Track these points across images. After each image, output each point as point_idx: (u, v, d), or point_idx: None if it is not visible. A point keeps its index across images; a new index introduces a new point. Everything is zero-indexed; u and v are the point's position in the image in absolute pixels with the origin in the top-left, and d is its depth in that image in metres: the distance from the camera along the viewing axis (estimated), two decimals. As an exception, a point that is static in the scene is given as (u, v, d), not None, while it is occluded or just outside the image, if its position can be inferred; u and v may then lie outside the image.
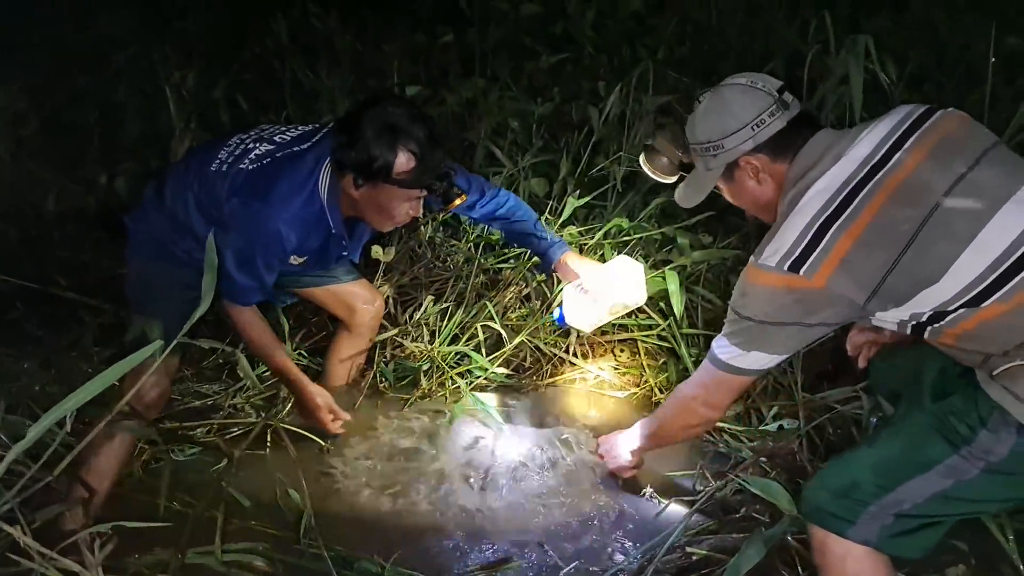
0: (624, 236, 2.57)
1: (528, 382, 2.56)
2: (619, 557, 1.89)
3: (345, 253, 2.12)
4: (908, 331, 1.37)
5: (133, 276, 2.15)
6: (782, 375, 2.31)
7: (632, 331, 2.60)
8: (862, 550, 1.39)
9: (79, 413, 1.86)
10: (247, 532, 1.83)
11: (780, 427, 2.20)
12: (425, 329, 2.62)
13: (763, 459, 2.09)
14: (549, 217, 2.63)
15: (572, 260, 2.21)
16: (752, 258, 1.44)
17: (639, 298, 2.14)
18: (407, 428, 2.38)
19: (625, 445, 2.05)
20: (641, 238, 2.57)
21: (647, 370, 2.54)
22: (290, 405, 2.34)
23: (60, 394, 1.10)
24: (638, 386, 2.55)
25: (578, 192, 2.65)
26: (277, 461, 2.17)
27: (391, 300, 2.66)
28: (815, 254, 1.34)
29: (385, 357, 2.59)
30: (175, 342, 1.46)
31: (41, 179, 3.38)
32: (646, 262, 2.50)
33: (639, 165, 2.52)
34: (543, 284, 2.63)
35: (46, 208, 3.35)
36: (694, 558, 1.81)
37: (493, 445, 2.30)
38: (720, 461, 2.16)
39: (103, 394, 1.18)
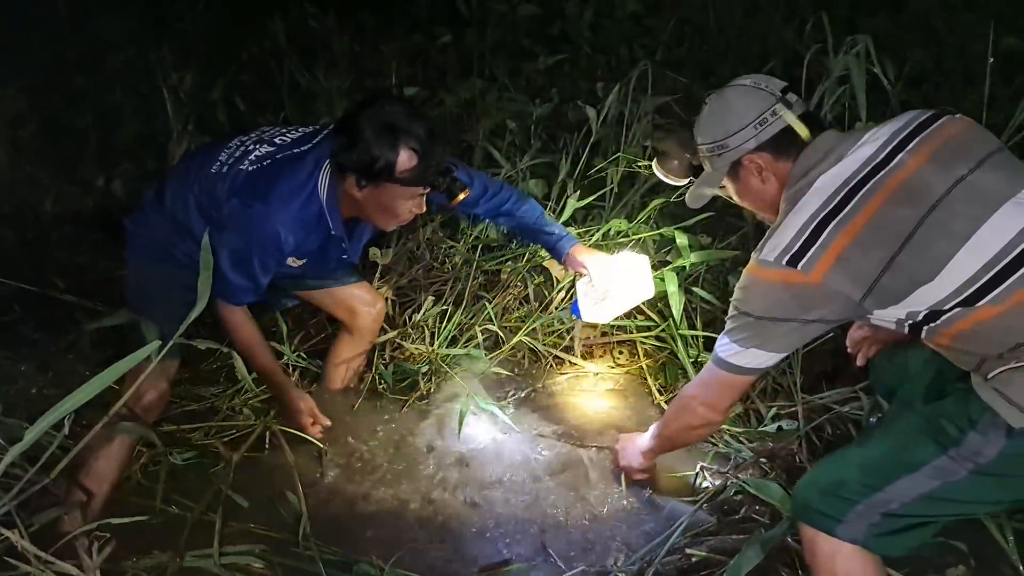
0: (623, 237, 2.57)
1: (527, 383, 2.55)
2: (619, 558, 1.89)
3: (345, 256, 2.12)
4: (906, 330, 1.39)
5: (132, 278, 2.15)
6: (781, 376, 2.31)
7: (631, 332, 2.59)
8: (851, 548, 1.40)
9: (78, 416, 1.86)
10: (245, 535, 1.82)
11: (779, 428, 2.20)
12: (425, 330, 2.62)
13: (763, 460, 2.10)
14: (549, 215, 2.62)
15: (580, 254, 2.23)
16: (753, 254, 1.46)
17: (646, 293, 2.16)
18: (406, 430, 2.37)
19: (636, 446, 2.07)
20: (640, 239, 2.57)
21: (646, 371, 2.53)
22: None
23: (57, 396, 1.09)
24: (637, 386, 2.54)
25: (577, 193, 2.64)
26: (275, 463, 2.16)
27: (389, 302, 2.66)
28: (812, 250, 1.36)
29: (384, 359, 2.59)
30: (173, 344, 1.46)
31: (38, 181, 3.37)
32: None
33: (638, 166, 2.54)
34: (542, 286, 2.62)
35: (43, 210, 3.34)
36: (694, 559, 1.80)
37: (492, 447, 2.30)
38: (720, 462, 2.16)
39: (102, 397, 1.18)
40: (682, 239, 2.44)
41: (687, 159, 1.83)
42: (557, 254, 2.26)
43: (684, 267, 2.49)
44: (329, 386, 2.51)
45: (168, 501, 1.85)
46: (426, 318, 2.62)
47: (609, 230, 2.60)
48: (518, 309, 2.67)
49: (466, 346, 2.59)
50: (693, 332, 2.44)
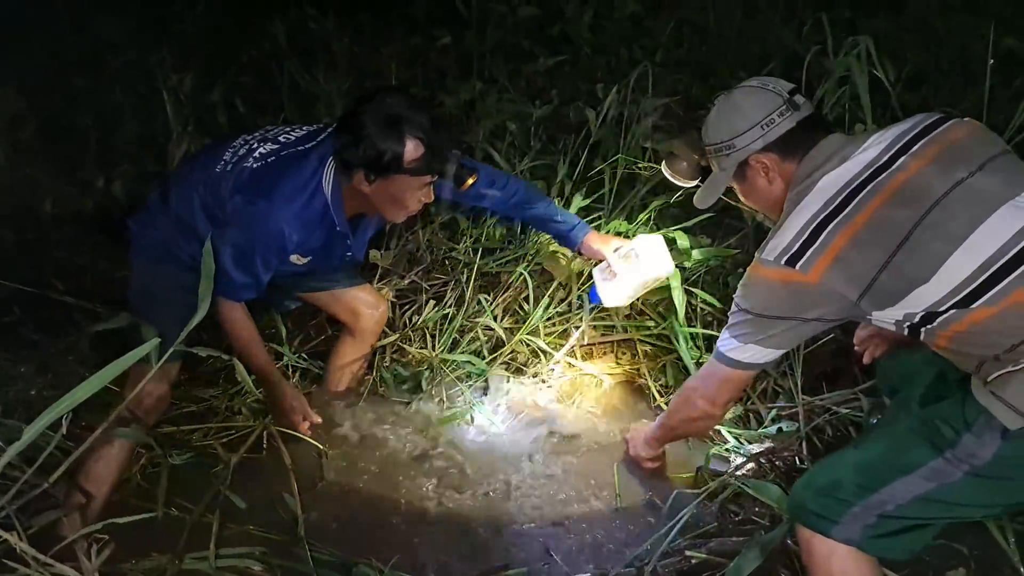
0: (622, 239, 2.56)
1: (528, 385, 2.55)
2: (618, 560, 1.88)
3: (349, 253, 2.12)
4: (905, 332, 1.39)
5: (136, 279, 2.15)
6: (782, 377, 2.31)
7: (630, 332, 2.59)
8: (847, 549, 1.41)
9: (77, 417, 1.86)
10: (244, 536, 1.82)
11: (779, 429, 2.20)
12: (426, 332, 2.62)
13: (762, 461, 2.09)
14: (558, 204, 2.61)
15: (595, 241, 2.25)
16: (756, 253, 1.48)
17: (667, 269, 2.18)
18: (406, 432, 2.37)
19: (643, 436, 2.11)
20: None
21: (647, 372, 2.53)
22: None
23: (57, 398, 1.09)
24: (637, 386, 2.54)
25: (584, 190, 2.64)
26: (274, 465, 2.15)
27: (389, 304, 2.66)
28: (811, 250, 1.37)
29: (385, 362, 2.58)
30: (176, 347, 1.46)
31: (38, 182, 3.36)
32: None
33: (637, 167, 2.53)
34: (542, 287, 2.62)
35: (43, 211, 3.34)
36: (693, 561, 1.80)
37: (492, 449, 2.30)
38: (720, 463, 2.15)
39: (102, 398, 1.18)
40: (683, 240, 2.44)
41: (695, 160, 1.86)
42: (571, 242, 2.28)
43: (684, 267, 2.48)
44: (330, 388, 2.51)
45: (167, 503, 1.84)
46: (427, 322, 2.62)
47: (609, 231, 2.59)
48: (519, 311, 2.66)
49: (467, 347, 2.58)
50: (693, 329, 2.43)
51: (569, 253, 2.55)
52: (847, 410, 2.17)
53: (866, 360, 1.85)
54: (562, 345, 2.60)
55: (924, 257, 1.30)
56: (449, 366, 2.53)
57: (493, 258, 2.70)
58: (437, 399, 2.48)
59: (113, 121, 3.47)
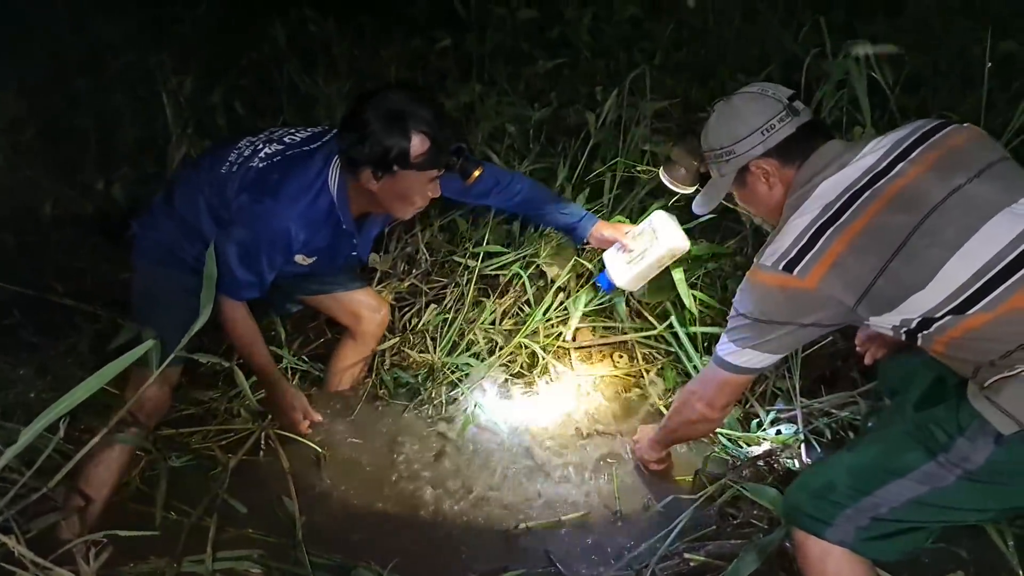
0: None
1: (527, 388, 2.55)
2: (617, 563, 1.88)
3: (354, 252, 2.13)
4: (902, 337, 1.39)
5: (139, 282, 2.15)
6: (780, 380, 2.31)
7: (628, 333, 2.59)
8: (841, 551, 1.42)
9: (77, 421, 1.86)
10: (243, 540, 1.82)
11: (778, 432, 2.20)
12: (425, 336, 2.62)
13: (761, 464, 2.10)
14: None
15: (605, 228, 2.28)
16: (755, 258, 1.49)
17: (684, 244, 2.18)
18: (405, 435, 2.37)
19: (646, 439, 2.11)
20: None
21: (645, 375, 2.53)
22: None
23: (56, 401, 1.09)
24: (636, 389, 2.54)
25: (585, 193, 2.64)
26: (273, 468, 2.16)
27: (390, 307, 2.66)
28: (809, 255, 1.38)
29: (385, 365, 2.58)
30: (177, 352, 1.46)
31: (38, 184, 3.37)
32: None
33: (636, 170, 2.54)
34: (541, 290, 2.62)
35: (42, 213, 3.34)
36: (692, 564, 1.80)
37: (490, 451, 2.30)
38: (719, 466, 2.15)
39: (103, 401, 1.18)
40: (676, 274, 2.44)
41: (695, 167, 1.86)
42: (581, 234, 2.30)
43: (684, 269, 2.49)
44: (330, 390, 2.51)
45: (166, 506, 1.84)
46: (427, 326, 2.62)
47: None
48: (518, 313, 2.66)
49: (466, 350, 2.58)
50: (693, 328, 2.44)
51: (570, 254, 2.55)
52: (846, 413, 2.17)
53: (867, 361, 1.85)
54: (562, 348, 2.60)
55: (921, 263, 1.30)
56: (448, 369, 2.54)
57: (492, 262, 2.69)
58: (436, 402, 2.48)
59: (113, 123, 3.47)
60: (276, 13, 3.54)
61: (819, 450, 2.14)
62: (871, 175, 1.40)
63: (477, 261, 2.65)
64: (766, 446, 2.17)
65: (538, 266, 2.62)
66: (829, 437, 2.17)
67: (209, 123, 3.30)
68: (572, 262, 2.57)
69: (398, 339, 2.61)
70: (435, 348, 2.57)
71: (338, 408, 2.46)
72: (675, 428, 1.94)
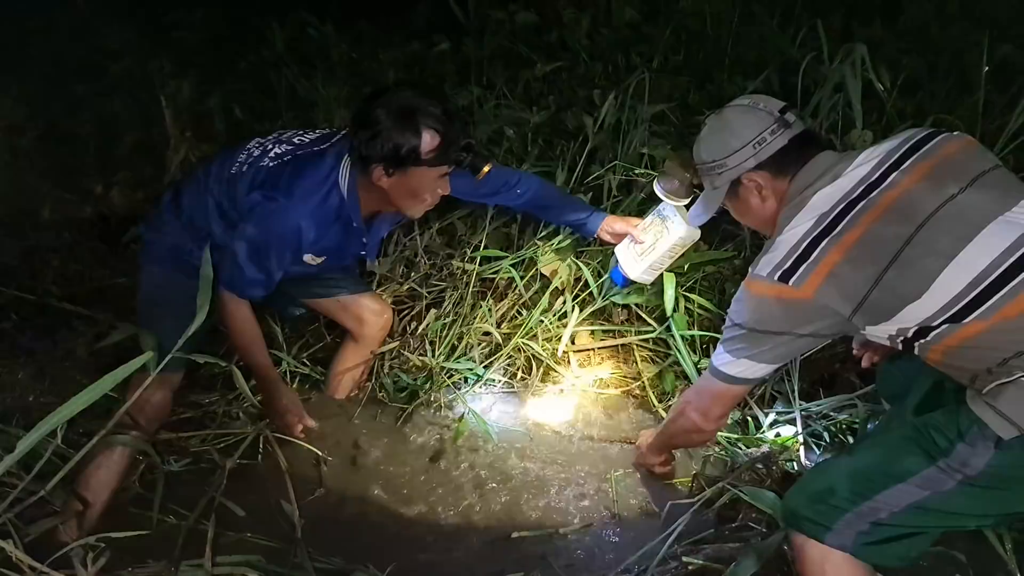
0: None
1: (525, 391, 2.55)
2: (615, 567, 1.88)
3: (363, 252, 2.14)
4: (899, 346, 1.40)
5: (145, 284, 2.14)
6: (779, 383, 2.31)
7: (627, 336, 2.59)
8: (840, 556, 1.42)
9: (77, 425, 1.86)
10: (242, 544, 1.82)
11: (777, 435, 2.20)
12: (425, 339, 2.62)
13: (759, 467, 2.10)
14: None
15: (615, 222, 2.28)
16: (750, 268, 1.49)
17: (695, 232, 2.16)
18: (405, 438, 2.37)
19: (646, 443, 2.12)
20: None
21: (644, 378, 2.53)
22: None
23: (54, 405, 1.10)
24: (635, 393, 2.54)
25: (589, 196, 2.65)
26: (273, 471, 2.16)
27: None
28: (804, 266, 1.38)
29: (385, 368, 2.59)
30: (173, 356, 1.46)
31: (36, 188, 3.37)
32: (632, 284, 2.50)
33: (635, 173, 2.54)
34: (540, 293, 2.62)
35: (41, 217, 3.35)
36: (690, 568, 1.80)
37: (489, 454, 2.30)
38: (717, 469, 2.15)
39: (103, 405, 1.18)
40: (669, 288, 2.44)
41: (688, 179, 1.87)
42: (591, 229, 2.31)
43: (682, 272, 2.49)
44: (331, 393, 2.51)
45: (165, 510, 1.84)
46: (429, 331, 2.62)
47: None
48: (517, 315, 2.67)
49: (465, 352, 2.59)
50: (691, 332, 2.44)
51: (569, 258, 2.56)
52: (844, 416, 2.18)
53: (865, 364, 1.85)
54: (560, 350, 2.60)
55: (916, 273, 1.30)
56: (447, 373, 2.54)
57: (490, 266, 2.70)
58: (436, 405, 2.48)
59: (112, 128, 3.48)
60: (274, 17, 3.54)
61: (818, 453, 2.14)
62: (864, 186, 1.41)
63: (475, 265, 2.65)
64: (765, 449, 2.17)
65: (536, 269, 2.62)
66: (828, 440, 2.17)
67: (208, 127, 3.30)
68: (570, 265, 2.57)
69: (399, 343, 2.61)
70: (434, 352, 2.57)
71: (338, 411, 2.47)
72: (672, 435, 1.95)
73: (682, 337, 2.42)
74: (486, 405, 2.49)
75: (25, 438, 1.06)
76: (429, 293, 2.72)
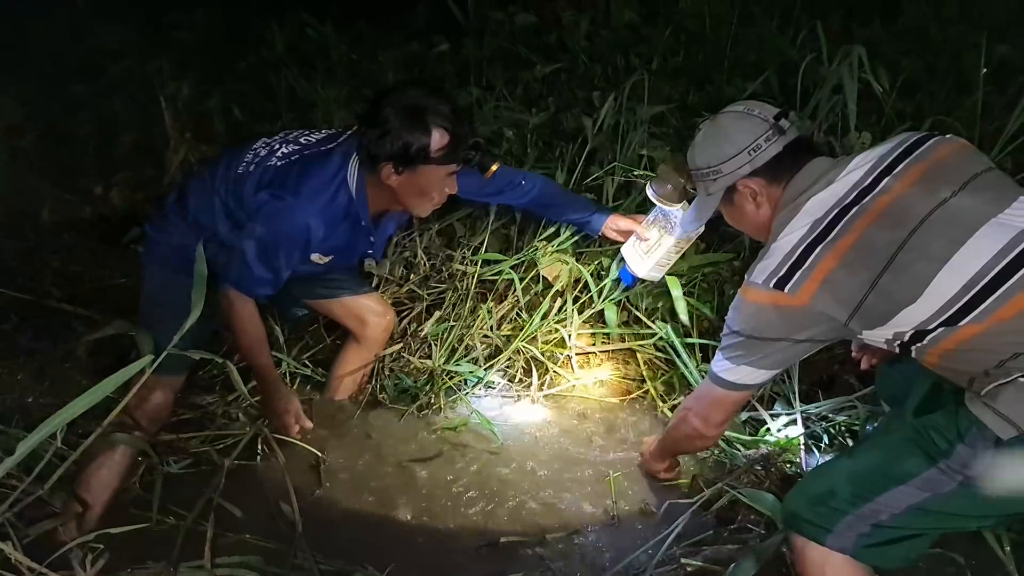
0: (619, 244, 2.57)
1: (526, 393, 2.55)
2: (614, 569, 1.88)
3: (370, 251, 2.14)
4: (897, 350, 1.40)
5: (149, 285, 2.15)
6: (779, 384, 2.31)
7: (628, 340, 2.59)
8: (841, 558, 1.42)
9: (77, 426, 1.86)
10: (241, 544, 1.82)
11: (778, 437, 2.20)
12: (426, 342, 2.62)
13: (759, 469, 2.10)
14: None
15: (620, 220, 2.29)
16: (746, 276, 1.50)
17: (699, 227, 2.16)
18: (404, 440, 2.37)
19: (649, 450, 2.13)
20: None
21: (647, 380, 2.53)
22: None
23: (54, 406, 1.10)
24: (635, 394, 2.54)
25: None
26: (272, 472, 2.16)
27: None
28: (800, 272, 1.39)
29: (385, 370, 2.59)
30: (182, 358, 1.46)
31: (36, 189, 3.38)
32: (639, 283, 2.50)
33: (634, 175, 2.54)
34: (539, 295, 2.63)
35: (41, 218, 3.35)
36: (689, 569, 1.81)
37: (488, 456, 2.30)
38: (716, 470, 2.16)
39: (104, 407, 1.18)
40: (675, 289, 2.45)
41: (682, 184, 1.87)
42: (595, 227, 2.33)
43: (682, 274, 2.49)
44: (331, 395, 2.52)
45: (164, 510, 1.85)
46: (432, 335, 2.62)
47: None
48: (517, 317, 2.67)
49: (465, 355, 2.59)
50: (691, 340, 2.44)
51: (571, 261, 2.56)
52: (843, 417, 2.18)
53: (864, 367, 1.86)
54: (560, 353, 2.60)
55: (910, 278, 1.31)
56: (448, 375, 2.54)
57: (490, 268, 2.70)
58: (436, 407, 2.48)
59: (111, 129, 3.48)
60: (274, 18, 3.54)
61: (817, 455, 2.14)
62: (858, 191, 1.41)
63: (476, 267, 2.65)
64: (764, 450, 2.17)
65: (536, 271, 2.62)
66: (827, 442, 2.17)
67: (207, 128, 3.31)
68: (571, 267, 2.57)
69: (401, 345, 2.61)
70: (435, 354, 2.57)
71: (338, 412, 2.47)
72: (674, 442, 1.96)
73: (682, 344, 2.42)
74: (486, 407, 2.48)
75: (25, 440, 1.06)
76: (428, 295, 2.73)
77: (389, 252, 2.76)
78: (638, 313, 2.57)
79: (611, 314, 2.53)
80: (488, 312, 2.61)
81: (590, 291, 2.56)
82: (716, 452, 2.21)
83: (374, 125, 1.81)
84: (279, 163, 1.95)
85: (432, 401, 2.49)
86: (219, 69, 3.59)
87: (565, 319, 2.58)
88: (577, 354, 2.63)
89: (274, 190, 1.90)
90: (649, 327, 2.53)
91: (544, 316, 2.58)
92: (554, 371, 2.59)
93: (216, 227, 2.02)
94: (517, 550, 1.97)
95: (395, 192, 1.92)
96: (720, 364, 1.59)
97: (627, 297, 2.56)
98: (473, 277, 2.65)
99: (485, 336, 2.62)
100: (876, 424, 2.02)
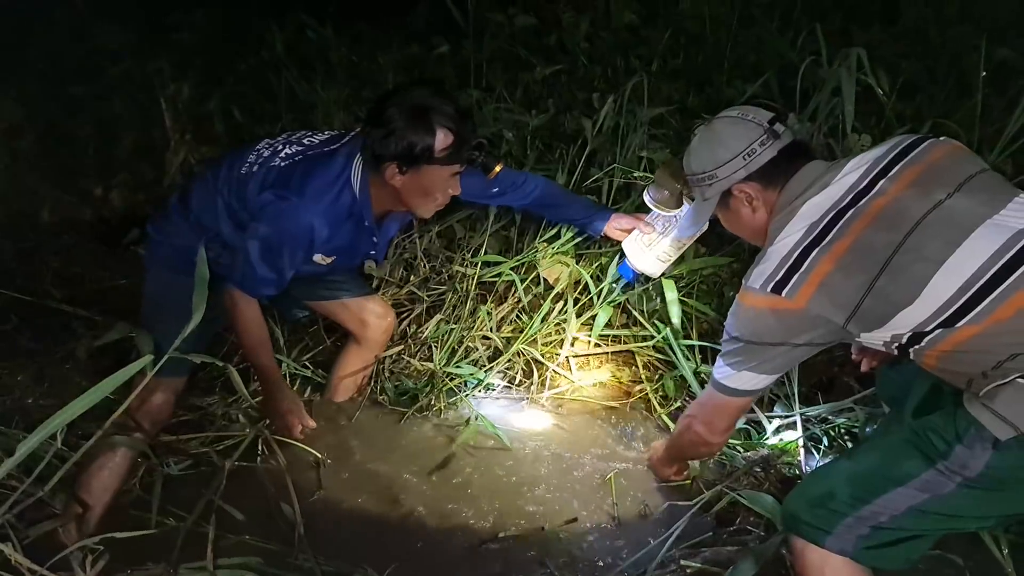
0: (619, 246, 2.57)
1: (525, 395, 2.55)
2: (614, 571, 1.88)
3: (373, 252, 2.15)
4: (895, 352, 1.40)
5: (150, 287, 2.14)
6: (778, 387, 2.31)
7: (627, 342, 2.60)
8: (841, 560, 1.42)
9: (78, 428, 1.86)
10: (241, 546, 1.82)
11: (776, 439, 2.20)
12: (426, 344, 2.62)
13: (758, 471, 2.10)
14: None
15: (622, 218, 2.30)
16: (743, 280, 1.50)
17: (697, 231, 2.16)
18: (404, 442, 2.37)
19: (657, 456, 2.14)
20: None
21: (645, 383, 2.53)
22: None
23: (54, 407, 1.10)
24: (635, 396, 2.54)
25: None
26: (273, 474, 2.16)
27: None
28: (796, 277, 1.39)
29: (385, 372, 2.59)
30: (183, 361, 1.46)
31: (36, 190, 3.38)
32: (639, 279, 2.51)
33: (633, 177, 2.54)
34: (538, 297, 2.63)
35: (40, 219, 3.36)
36: (688, 571, 1.81)
37: (488, 458, 2.30)
38: (716, 472, 2.16)
39: (104, 409, 1.18)
40: (670, 293, 2.45)
41: (678, 189, 1.88)
42: (597, 226, 2.33)
43: (681, 276, 2.49)
44: (331, 396, 2.52)
45: (164, 512, 1.85)
46: (433, 336, 2.63)
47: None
48: (517, 319, 2.67)
49: (465, 357, 2.59)
50: (690, 342, 2.44)
51: (572, 264, 2.56)
52: (843, 420, 2.18)
53: (864, 369, 1.86)
54: (560, 354, 2.60)
55: (907, 280, 1.31)
56: (448, 376, 2.54)
57: (490, 270, 2.70)
58: (436, 409, 2.48)
59: (111, 130, 3.48)
60: (274, 20, 3.55)
61: (817, 457, 2.14)
62: (853, 194, 1.42)
63: (476, 269, 2.66)
64: (763, 452, 2.17)
65: (536, 273, 2.62)
66: (826, 444, 2.17)
67: (207, 129, 3.31)
68: (571, 269, 2.58)
69: (401, 347, 2.61)
70: (435, 356, 2.57)
71: (338, 414, 2.47)
72: (680, 449, 1.97)
73: (680, 347, 2.43)
74: (486, 409, 2.48)
75: (25, 441, 1.06)
76: (428, 296, 2.73)
77: (389, 254, 2.76)
78: (637, 315, 2.57)
79: (603, 318, 2.53)
80: (488, 314, 2.61)
81: (590, 293, 2.56)
82: (718, 455, 2.21)
83: (379, 125, 1.81)
84: (283, 163, 1.95)
85: (432, 403, 2.49)
86: (219, 70, 3.60)
87: (566, 320, 2.58)
88: (576, 356, 2.64)
89: (278, 190, 1.90)
90: (648, 329, 2.53)
91: (544, 318, 2.59)
92: (554, 372, 2.59)
93: (219, 228, 2.02)
94: (517, 550, 1.97)
95: (399, 192, 1.92)
96: (721, 371, 1.59)
97: (627, 299, 2.56)
98: (473, 279, 2.66)
99: (485, 338, 2.62)
100: (876, 426, 2.02)
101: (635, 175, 2.54)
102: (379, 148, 1.83)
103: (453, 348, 2.60)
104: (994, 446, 1.26)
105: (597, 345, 2.63)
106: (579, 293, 2.61)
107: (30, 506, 1.46)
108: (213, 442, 2.29)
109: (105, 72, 3.60)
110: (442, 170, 1.87)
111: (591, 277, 2.55)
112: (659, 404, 2.47)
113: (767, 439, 2.21)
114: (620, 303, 2.59)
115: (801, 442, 2.15)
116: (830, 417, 2.20)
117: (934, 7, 2.88)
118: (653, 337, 2.51)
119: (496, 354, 2.61)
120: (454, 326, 2.62)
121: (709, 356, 2.42)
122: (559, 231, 2.60)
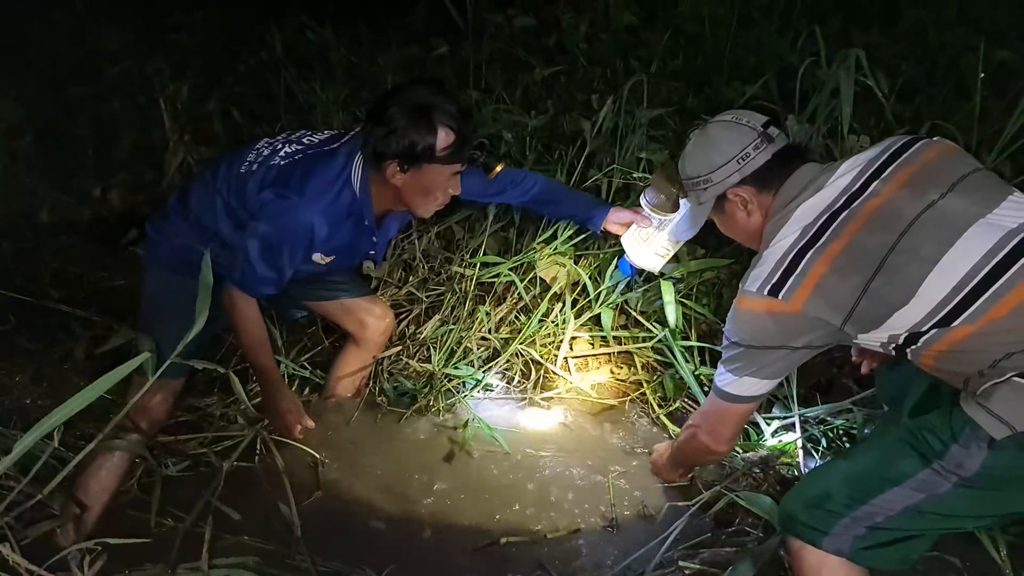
0: (618, 247, 2.57)
1: (524, 396, 2.55)
2: (612, 571, 1.88)
3: (372, 252, 2.14)
4: (892, 353, 1.40)
5: (149, 287, 2.14)
6: (777, 388, 2.31)
7: (626, 343, 2.60)
8: (838, 561, 1.42)
9: (76, 427, 1.85)
10: (239, 546, 1.82)
11: (775, 440, 2.20)
12: (424, 345, 2.62)
13: (757, 472, 2.10)
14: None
15: (621, 212, 2.29)
16: (740, 284, 1.50)
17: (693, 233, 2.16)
18: (403, 442, 2.37)
19: (662, 460, 2.13)
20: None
21: (644, 384, 2.53)
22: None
23: (52, 407, 1.09)
24: (633, 397, 2.54)
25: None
26: (270, 474, 2.15)
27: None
28: (792, 279, 1.40)
29: (384, 372, 2.59)
30: (180, 363, 1.46)
31: (35, 191, 3.38)
32: (639, 274, 2.51)
33: (633, 178, 2.54)
34: (538, 297, 2.63)
35: (39, 219, 3.35)
36: (687, 572, 1.81)
37: (487, 460, 2.30)
38: (714, 473, 2.16)
39: (103, 408, 1.18)
40: (668, 294, 2.45)
41: (674, 193, 1.88)
42: (597, 222, 2.32)
43: (681, 278, 2.49)
44: (330, 397, 2.51)
45: (162, 513, 1.85)
46: (432, 338, 2.63)
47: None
48: (516, 320, 2.67)
49: (463, 357, 2.59)
50: (688, 343, 2.44)
51: (569, 264, 2.56)
52: (841, 421, 2.18)
53: (864, 370, 1.86)
54: (558, 355, 2.60)
55: (902, 280, 1.31)
56: (446, 377, 2.54)
57: (489, 270, 2.70)
58: (434, 410, 2.48)
59: (110, 130, 3.48)
60: (273, 20, 3.55)
61: (815, 458, 2.14)
62: (847, 196, 1.42)
63: (474, 270, 2.66)
64: (762, 453, 2.17)
65: (535, 274, 2.62)
66: (825, 445, 2.17)
67: (206, 130, 3.30)
68: (569, 270, 2.58)
69: (400, 348, 2.61)
70: (433, 356, 2.57)
71: (336, 415, 2.47)
72: (685, 456, 1.97)
73: (679, 349, 2.42)
74: (485, 410, 2.48)
75: (22, 440, 1.06)
76: (427, 297, 2.73)
77: (388, 254, 2.76)
78: (637, 315, 2.57)
79: (607, 318, 2.53)
80: (486, 314, 2.61)
81: (588, 294, 2.56)
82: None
83: (380, 123, 1.81)
84: (283, 162, 1.95)
85: (431, 403, 2.49)
86: (218, 71, 3.60)
87: (565, 320, 2.58)
88: (575, 357, 2.64)
89: (278, 189, 1.90)
90: (648, 330, 2.53)
91: (542, 318, 2.58)
92: (552, 373, 2.59)
93: (218, 227, 2.01)
94: (516, 551, 1.97)
95: (399, 191, 1.92)
96: (723, 377, 1.59)
97: (625, 300, 2.56)
98: (471, 279, 2.66)
99: (483, 338, 2.62)
100: (873, 426, 2.02)
101: (634, 176, 2.54)
102: (380, 146, 1.82)
103: (452, 349, 2.60)
104: (990, 445, 1.26)
105: (595, 345, 2.63)
106: (577, 294, 2.61)
107: (28, 507, 1.45)
108: (211, 443, 2.29)
109: (104, 73, 3.60)
110: (443, 169, 1.87)
111: (589, 278, 2.55)
112: (658, 404, 2.47)
113: (766, 440, 2.21)
114: (619, 304, 2.58)
115: (800, 443, 2.15)
116: (828, 418, 2.20)
117: (933, 9, 2.89)
118: (652, 338, 2.51)
119: (495, 355, 2.61)
120: (453, 327, 2.63)
121: (708, 357, 2.42)
122: (556, 231, 2.60)
